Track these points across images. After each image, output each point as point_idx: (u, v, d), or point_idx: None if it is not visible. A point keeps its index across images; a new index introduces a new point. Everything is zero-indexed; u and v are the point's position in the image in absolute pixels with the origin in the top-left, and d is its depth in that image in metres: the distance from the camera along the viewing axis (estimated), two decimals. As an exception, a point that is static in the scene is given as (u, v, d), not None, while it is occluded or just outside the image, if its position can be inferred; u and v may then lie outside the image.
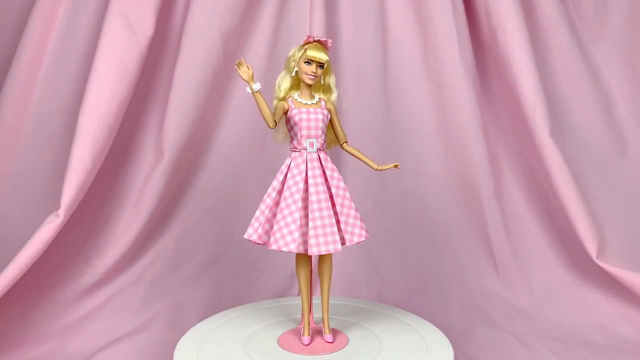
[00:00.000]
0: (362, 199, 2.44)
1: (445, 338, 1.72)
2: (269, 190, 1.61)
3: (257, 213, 1.60)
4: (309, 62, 1.58)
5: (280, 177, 1.60)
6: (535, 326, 2.18)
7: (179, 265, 2.33)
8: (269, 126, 1.55)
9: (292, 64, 1.61)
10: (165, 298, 2.24)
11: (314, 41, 1.60)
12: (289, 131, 1.62)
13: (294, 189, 1.57)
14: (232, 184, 2.39)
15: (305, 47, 1.59)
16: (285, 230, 1.55)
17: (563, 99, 2.44)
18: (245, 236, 1.60)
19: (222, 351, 1.63)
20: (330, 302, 1.95)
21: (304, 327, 1.67)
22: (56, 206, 1.97)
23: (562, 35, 2.40)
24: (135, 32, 2.13)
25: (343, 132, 1.69)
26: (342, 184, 1.62)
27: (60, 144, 2.21)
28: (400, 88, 2.44)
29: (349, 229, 1.61)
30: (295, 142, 1.61)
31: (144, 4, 2.15)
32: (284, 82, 1.63)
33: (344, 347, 1.65)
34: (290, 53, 1.62)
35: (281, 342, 1.67)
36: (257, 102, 1.53)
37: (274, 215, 1.59)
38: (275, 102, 1.63)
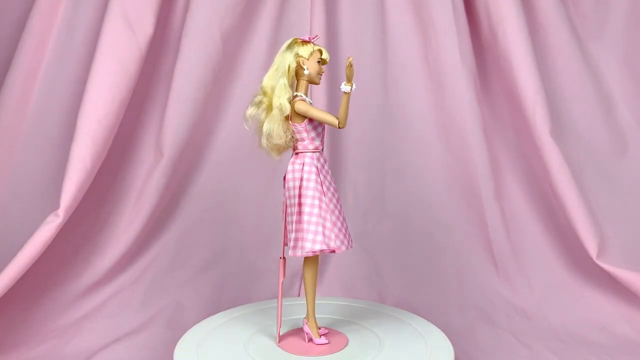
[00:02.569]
0: (362, 198, 2.45)
1: (446, 338, 1.72)
2: (317, 195, 1.56)
3: (320, 220, 1.55)
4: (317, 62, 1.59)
5: (319, 179, 1.57)
6: (535, 326, 2.18)
7: (179, 265, 2.32)
8: (342, 126, 1.53)
9: (293, 64, 1.57)
10: (165, 298, 2.24)
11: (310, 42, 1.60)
12: (308, 132, 1.58)
13: (332, 188, 1.59)
14: (232, 184, 2.39)
15: (314, 47, 1.58)
16: (343, 231, 1.58)
17: (563, 99, 2.44)
18: (337, 249, 1.55)
19: (222, 351, 1.64)
20: (330, 302, 1.98)
21: (313, 329, 1.67)
22: (56, 206, 1.97)
23: (562, 35, 2.40)
24: (135, 32, 2.13)
25: None
26: None
27: (60, 144, 2.21)
28: (400, 88, 2.44)
29: None
30: (317, 143, 1.60)
31: (144, 4, 2.15)
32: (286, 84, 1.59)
33: (344, 347, 1.65)
34: (292, 56, 1.57)
35: (281, 343, 1.68)
36: (346, 102, 1.52)
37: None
38: (264, 105, 1.60)
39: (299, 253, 1.56)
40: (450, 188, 2.43)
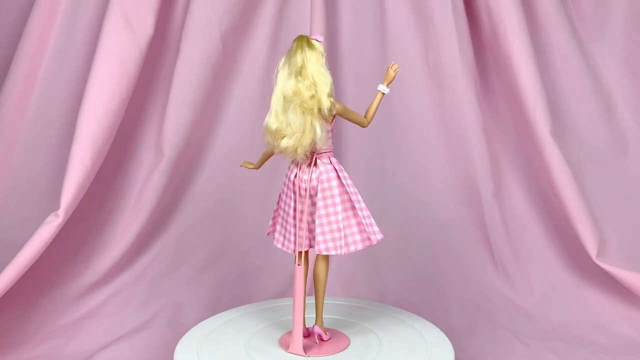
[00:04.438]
0: (362, 198, 2.44)
1: (446, 337, 1.72)
2: (356, 190, 1.61)
3: (367, 214, 1.60)
4: None
5: None
6: (535, 326, 2.18)
7: (179, 265, 2.32)
8: (367, 125, 1.62)
9: None
10: (165, 298, 2.24)
11: None
12: (332, 132, 1.60)
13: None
14: (232, 184, 2.38)
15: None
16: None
17: (563, 99, 2.44)
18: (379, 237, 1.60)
19: (223, 351, 1.64)
20: (330, 302, 1.97)
21: (322, 327, 1.69)
22: (56, 206, 1.96)
23: (562, 35, 2.40)
24: (135, 32, 2.13)
25: None
26: None
27: (60, 144, 2.21)
28: (400, 88, 2.43)
29: None
30: (333, 140, 1.62)
31: (144, 4, 2.15)
32: None
33: (346, 347, 1.65)
34: (322, 56, 1.56)
35: (282, 343, 1.67)
36: (379, 103, 1.62)
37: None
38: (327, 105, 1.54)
39: (366, 244, 1.59)
40: (450, 188, 2.43)
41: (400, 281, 2.38)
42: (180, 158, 2.29)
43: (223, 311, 1.92)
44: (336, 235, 1.57)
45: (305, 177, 1.58)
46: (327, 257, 1.65)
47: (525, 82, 2.26)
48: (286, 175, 1.63)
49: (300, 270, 1.62)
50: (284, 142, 1.53)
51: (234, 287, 2.33)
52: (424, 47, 2.41)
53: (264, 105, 2.38)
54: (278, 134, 1.53)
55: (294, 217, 1.61)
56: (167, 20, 2.30)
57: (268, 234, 1.74)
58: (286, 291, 2.37)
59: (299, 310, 1.62)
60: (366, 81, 2.44)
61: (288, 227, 1.63)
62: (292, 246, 1.62)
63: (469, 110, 2.36)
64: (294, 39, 1.58)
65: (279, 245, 1.67)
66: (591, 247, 2.19)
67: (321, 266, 1.65)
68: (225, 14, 2.26)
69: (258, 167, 1.74)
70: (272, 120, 1.54)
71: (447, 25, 2.33)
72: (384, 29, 2.43)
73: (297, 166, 1.60)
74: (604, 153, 2.44)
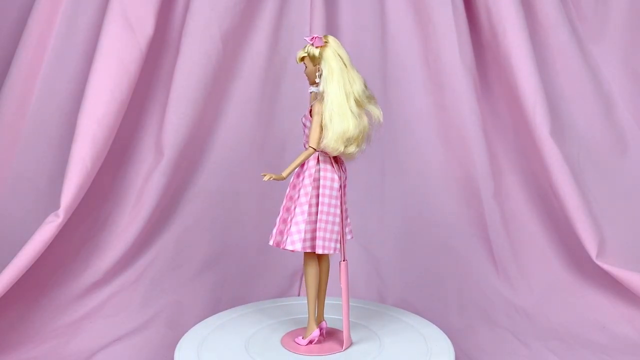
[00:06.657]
0: (362, 198, 2.44)
1: (446, 337, 1.73)
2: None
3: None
4: None
5: None
6: (535, 326, 2.18)
7: (179, 265, 2.32)
8: None
9: None
10: (165, 298, 2.24)
11: None
12: None
13: None
14: (232, 183, 2.39)
15: None
16: None
17: (563, 99, 2.44)
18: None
19: (223, 351, 1.64)
20: (330, 302, 1.96)
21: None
22: (56, 206, 1.97)
23: (562, 35, 2.40)
24: (135, 32, 2.13)
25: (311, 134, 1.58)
26: None
27: (60, 144, 2.21)
28: (400, 88, 2.44)
29: None
30: None
31: (144, 4, 2.15)
32: None
33: (346, 348, 1.65)
34: None
35: (283, 342, 1.68)
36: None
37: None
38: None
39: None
40: (450, 188, 2.44)
41: (400, 281, 2.38)
42: (180, 158, 2.29)
43: (223, 311, 1.93)
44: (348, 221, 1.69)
45: (338, 175, 1.61)
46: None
47: (524, 82, 2.26)
48: (321, 177, 1.59)
49: (345, 266, 1.66)
50: (353, 147, 1.58)
51: (234, 287, 2.33)
52: (423, 47, 2.41)
53: (264, 105, 2.41)
54: (353, 139, 1.56)
55: (342, 217, 1.62)
56: (167, 20, 2.30)
57: (303, 249, 1.59)
58: (286, 291, 2.37)
59: (347, 307, 1.65)
60: (366, 81, 2.44)
61: (336, 227, 1.60)
62: (338, 245, 1.62)
63: (468, 110, 2.36)
64: (323, 38, 1.59)
65: (328, 251, 1.60)
66: (591, 247, 2.19)
67: (325, 262, 1.69)
68: (225, 14, 2.26)
69: (286, 177, 1.59)
70: (355, 126, 1.55)
71: (446, 25, 2.33)
72: (384, 29, 2.43)
73: (331, 165, 1.60)
74: (604, 153, 2.44)
